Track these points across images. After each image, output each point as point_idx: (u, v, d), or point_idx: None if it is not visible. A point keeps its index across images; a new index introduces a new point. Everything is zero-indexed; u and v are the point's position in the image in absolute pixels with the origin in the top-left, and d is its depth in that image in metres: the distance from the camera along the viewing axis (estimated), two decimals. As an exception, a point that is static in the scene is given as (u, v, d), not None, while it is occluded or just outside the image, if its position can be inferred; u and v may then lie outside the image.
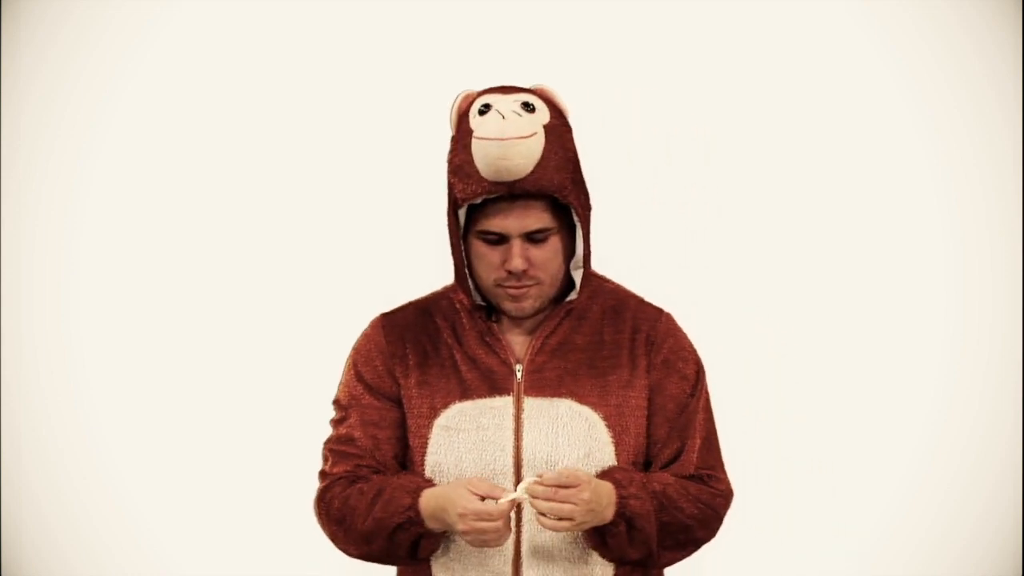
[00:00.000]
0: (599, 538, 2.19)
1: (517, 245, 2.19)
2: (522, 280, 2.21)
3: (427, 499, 2.16)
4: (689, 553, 2.29)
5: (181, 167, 3.68)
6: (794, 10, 3.63)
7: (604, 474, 2.20)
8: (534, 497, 2.08)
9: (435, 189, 3.50)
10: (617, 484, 2.16)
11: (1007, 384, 3.58)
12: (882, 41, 3.62)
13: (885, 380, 3.62)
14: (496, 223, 2.19)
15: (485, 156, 2.15)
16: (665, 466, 2.27)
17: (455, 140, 2.24)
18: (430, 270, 3.44)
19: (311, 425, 3.65)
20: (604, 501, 2.13)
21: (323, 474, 2.32)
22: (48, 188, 3.64)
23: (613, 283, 2.36)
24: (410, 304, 2.38)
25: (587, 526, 2.13)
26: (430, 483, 2.21)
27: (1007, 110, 3.55)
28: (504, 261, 2.20)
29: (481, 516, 2.07)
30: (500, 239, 2.20)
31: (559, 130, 2.21)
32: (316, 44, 3.67)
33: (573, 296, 2.28)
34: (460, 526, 2.09)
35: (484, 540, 2.10)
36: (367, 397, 2.31)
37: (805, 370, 3.53)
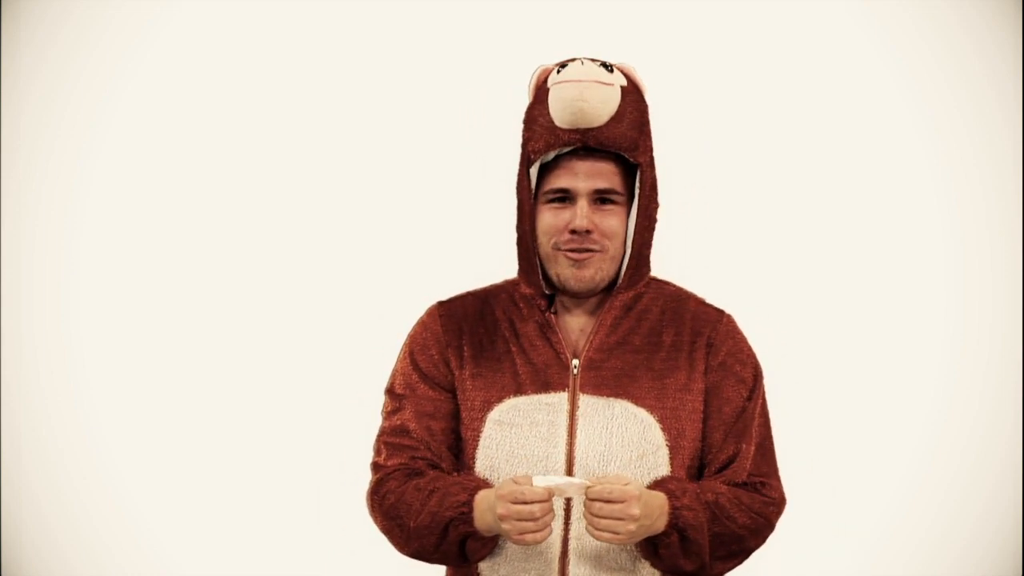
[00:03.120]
0: (651, 548, 2.16)
1: (584, 204, 2.17)
2: (585, 242, 2.18)
3: (481, 497, 2.14)
4: (740, 562, 2.27)
5: (181, 167, 3.68)
6: (794, 10, 3.62)
7: (657, 484, 2.17)
8: (589, 505, 2.06)
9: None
10: (670, 495, 2.14)
11: (1007, 384, 3.58)
12: (882, 41, 3.62)
13: (885, 380, 3.62)
14: (564, 179, 2.18)
15: (562, 98, 2.14)
16: (719, 471, 2.25)
17: (531, 103, 2.23)
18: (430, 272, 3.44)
19: (311, 426, 3.66)
20: (656, 512, 2.11)
21: (376, 466, 2.28)
22: (48, 188, 3.63)
23: (674, 285, 2.34)
24: (469, 293, 2.35)
25: (637, 538, 2.11)
26: (488, 484, 2.18)
27: (1007, 110, 3.55)
28: (568, 223, 2.18)
29: (517, 498, 2.05)
30: (566, 197, 2.19)
31: (636, 95, 2.21)
32: (319, 42, 3.67)
33: (622, 283, 2.25)
34: (499, 509, 2.06)
35: (522, 528, 2.06)
36: (422, 387, 2.28)
37: (805, 370, 3.53)
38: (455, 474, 2.23)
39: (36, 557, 3.61)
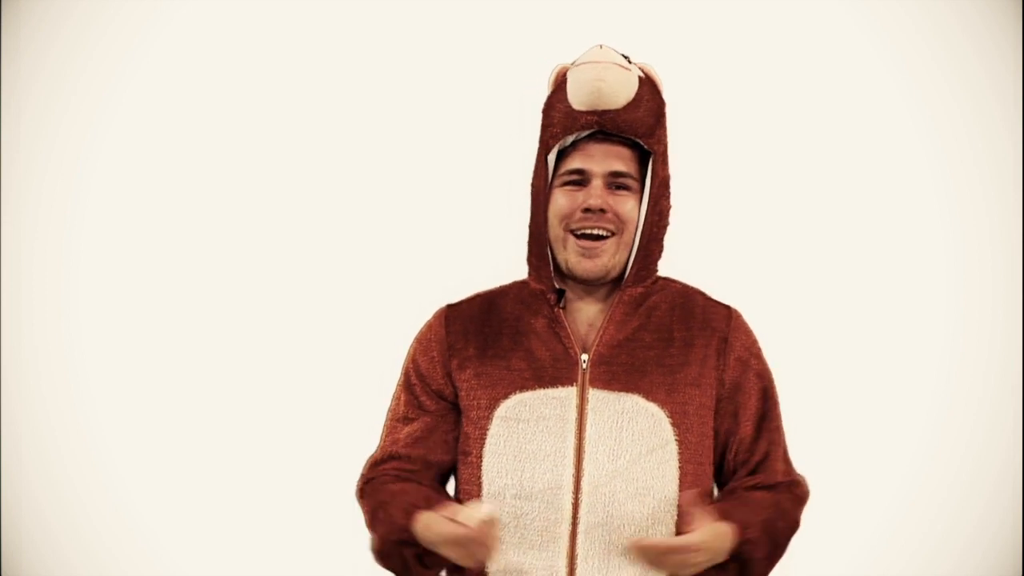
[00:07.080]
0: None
1: (599, 185, 2.19)
2: (599, 221, 2.18)
3: (419, 523, 2.15)
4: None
5: (183, 168, 3.68)
6: (794, 10, 3.62)
7: (724, 511, 2.16)
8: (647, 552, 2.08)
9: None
10: (742, 526, 2.14)
11: (1007, 384, 3.58)
12: (882, 41, 3.62)
13: (884, 381, 3.61)
14: (580, 160, 2.19)
15: (580, 79, 2.15)
16: (751, 473, 2.26)
17: (549, 95, 2.24)
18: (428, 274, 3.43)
19: (313, 427, 3.65)
20: (722, 547, 2.12)
21: (367, 464, 2.32)
22: (48, 188, 3.63)
23: (679, 282, 2.34)
24: (477, 295, 2.35)
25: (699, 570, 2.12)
26: (429, 501, 2.17)
27: (1007, 110, 3.55)
28: (582, 203, 2.19)
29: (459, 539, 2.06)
30: (582, 180, 2.19)
31: (654, 89, 2.23)
32: (322, 43, 3.67)
33: (629, 277, 2.26)
34: (443, 550, 2.10)
35: (464, 551, 2.08)
36: (415, 405, 2.29)
37: (804, 371, 3.52)
38: (404, 492, 2.22)
39: (36, 557, 3.61)
